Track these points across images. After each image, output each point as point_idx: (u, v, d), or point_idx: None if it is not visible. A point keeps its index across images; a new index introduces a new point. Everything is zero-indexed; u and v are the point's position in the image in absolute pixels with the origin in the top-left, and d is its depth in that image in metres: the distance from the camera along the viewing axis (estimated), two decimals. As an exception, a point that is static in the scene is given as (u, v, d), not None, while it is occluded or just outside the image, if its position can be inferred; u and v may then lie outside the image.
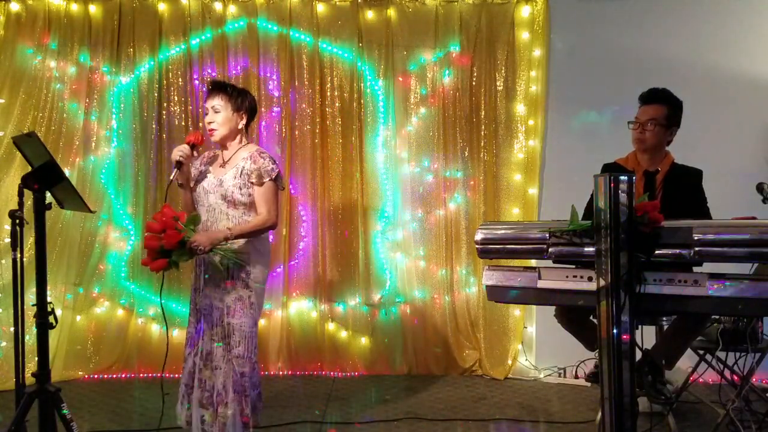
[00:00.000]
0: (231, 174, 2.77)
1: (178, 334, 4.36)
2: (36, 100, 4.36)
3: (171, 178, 2.76)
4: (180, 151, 2.73)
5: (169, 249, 2.53)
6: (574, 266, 2.27)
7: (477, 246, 2.38)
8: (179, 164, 2.73)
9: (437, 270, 4.51)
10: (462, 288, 4.50)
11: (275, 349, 4.48)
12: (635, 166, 3.08)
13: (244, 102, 2.86)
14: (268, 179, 2.77)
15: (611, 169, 3.08)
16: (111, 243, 4.47)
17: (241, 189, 2.76)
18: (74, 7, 4.44)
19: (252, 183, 2.77)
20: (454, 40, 4.47)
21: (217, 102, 2.80)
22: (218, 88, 2.84)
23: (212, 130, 2.81)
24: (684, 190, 3.00)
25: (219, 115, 2.80)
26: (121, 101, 4.46)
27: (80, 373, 4.34)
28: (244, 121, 2.87)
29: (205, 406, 2.71)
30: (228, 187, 2.75)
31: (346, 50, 4.49)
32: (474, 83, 4.47)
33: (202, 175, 2.84)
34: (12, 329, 2.81)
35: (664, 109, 3.03)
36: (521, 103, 4.45)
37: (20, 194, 2.53)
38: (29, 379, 2.54)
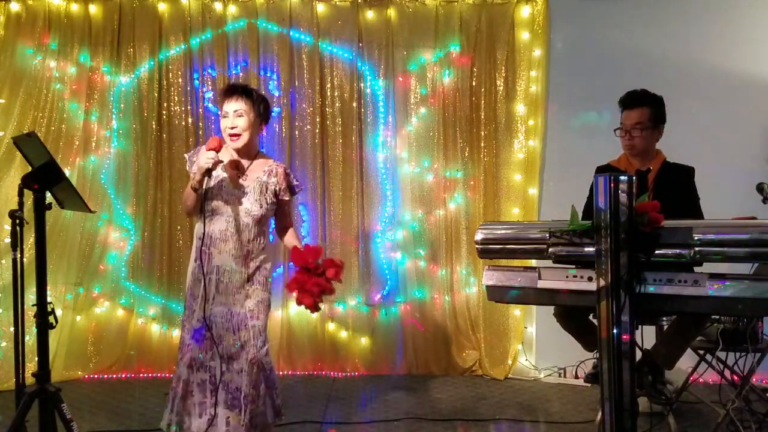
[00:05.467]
0: (257, 189, 2.73)
1: (178, 334, 4.37)
2: (36, 100, 4.36)
3: (203, 185, 2.62)
4: (211, 159, 2.55)
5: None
6: (574, 266, 2.27)
7: (477, 246, 2.39)
8: (209, 172, 2.59)
9: (437, 270, 4.51)
10: (462, 288, 4.50)
11: (275, 349, 4.45)
12: (627, 167, 3.06)
13: (267, 109, 2.79)
14: (294, 192, 2.89)
15: (604, 171, 3.07)
16: (111, 243, 4.46)
17: (261, 205, 2.74)
18: (74, 7, 4.44)
19: (283, 199, 2.81)
20: (454, 40, 4.47)
21: (241, 106, 2.68)
22: (242, 91, 2.71)
23: (236, 135, 2.68)
24: (675, 188, 2.98)
25: (242, 120, 2.68)
26: (121, 101, 4.45)
27: (80, 373, 4.34)
28: (263, 130, 2.83)
29: (231, 407, 2.65)
30: (253, 202, 2.72)
31: (346, 50, 4.49)
32: (474, 83, 4.47)
33: (219, 185, 2.71)
34: (12, 329, 2.81)
35: (647, 110, 2.99)
36: (521, 103, 4.45)
37: (20, 194, 2.52)
38: (29, 379, 2.54)
